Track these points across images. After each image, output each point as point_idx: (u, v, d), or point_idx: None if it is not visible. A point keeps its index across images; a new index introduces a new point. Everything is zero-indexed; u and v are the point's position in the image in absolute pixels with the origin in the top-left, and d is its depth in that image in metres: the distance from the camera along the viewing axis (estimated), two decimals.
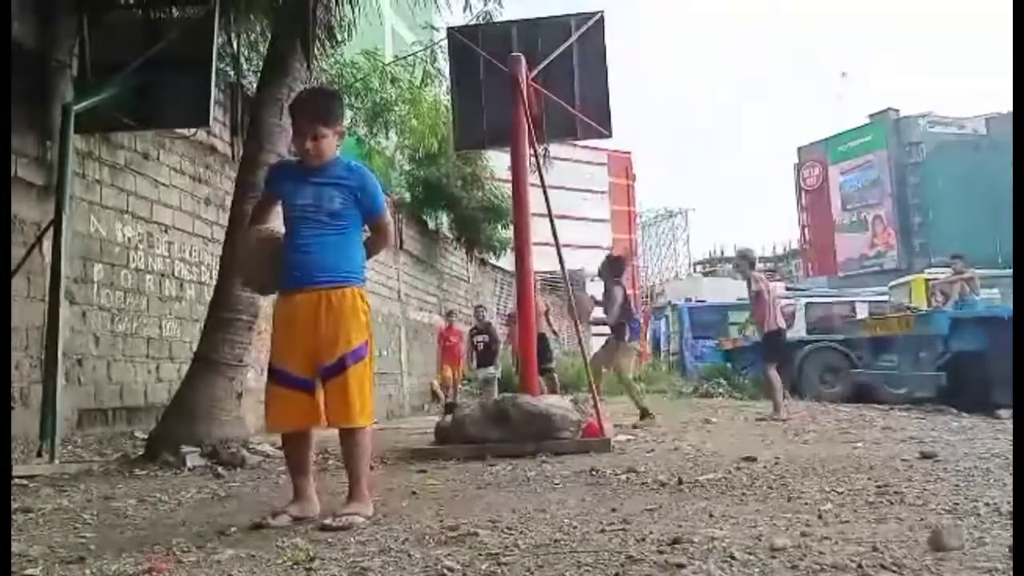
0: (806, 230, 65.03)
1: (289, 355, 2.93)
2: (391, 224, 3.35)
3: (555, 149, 11.85)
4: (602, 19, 6.44)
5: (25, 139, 5.37)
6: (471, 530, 2.61)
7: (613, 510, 2.99)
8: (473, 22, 7.86)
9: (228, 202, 6.01)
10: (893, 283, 14.53)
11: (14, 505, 3.33)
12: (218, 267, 5.59)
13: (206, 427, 5.04)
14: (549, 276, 18.37)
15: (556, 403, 5.48)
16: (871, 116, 61.74)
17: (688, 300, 20.95)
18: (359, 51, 11.67)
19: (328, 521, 2.77)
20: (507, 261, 17.78)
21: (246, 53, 8.19)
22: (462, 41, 6.65)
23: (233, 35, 7.29)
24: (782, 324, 8.36)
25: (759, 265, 9.75)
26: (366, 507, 2.91)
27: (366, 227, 3.15)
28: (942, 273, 12.02)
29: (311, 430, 3.04)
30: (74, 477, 4.36)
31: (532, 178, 6.22)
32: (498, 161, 13.34)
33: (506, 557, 2.25)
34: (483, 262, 19.14)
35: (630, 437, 6.08)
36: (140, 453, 5.09)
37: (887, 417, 7.78)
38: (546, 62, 6.28)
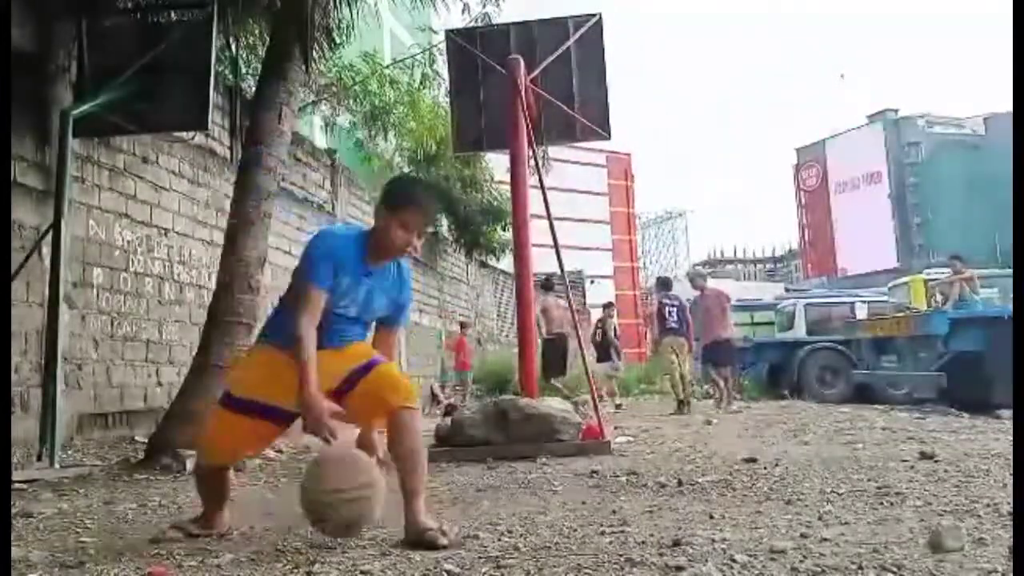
0: (806, 231, 65.06)
1: (270, 390, 2.59)
2: None
3: (554, 151, 11.86)
4: (600, 21, 6.46)
5: (24, 144, 5.36)
6: (471, 533, 2.61)
7: (613, 512, 2.99)
8: (471, 24, 7.87)
9: (227, 205, 6.01)
10: (892, 283, 14.54)
11: (14, 510, 3.32)
12: (217, 270, 5.58)
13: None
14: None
15: (556, 405, 5.48)
16: (869, 117, 61.83)
17: (688, 301, 20.90)
18: (358, 54, 11.68)
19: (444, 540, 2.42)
20: (507, 263, 17.79)
21: (244, 56, 8.19)
22: (460, 44, 6.66)
23: (231, 38, 7.30)
24: (724, 334, 10.04)
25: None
26: None
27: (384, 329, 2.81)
28: (941, 273, 12.02)
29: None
30: (74, 481, 4.36)
31: (531, 180, 6.22)
32: (497, 163, 13.36)
33: (506, 560, 2.25)
34: (483, 264, 19.16)
35: (630, 439, 6.08)
36: (140, 457, 5.09)
37: (887, 418, 7.78)
38: (544, 64, 6.29)
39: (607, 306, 13.34)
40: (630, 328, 42.03)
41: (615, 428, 6.68)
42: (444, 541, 2.40)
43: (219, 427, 2.71)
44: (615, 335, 12.14)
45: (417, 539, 2.43)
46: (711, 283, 11.49)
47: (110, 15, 6.04)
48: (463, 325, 14.37)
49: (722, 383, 10.03)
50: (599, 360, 12.60)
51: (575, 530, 2.65)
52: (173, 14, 6.01)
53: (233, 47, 7.59)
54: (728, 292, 11.05)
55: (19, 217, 5.24)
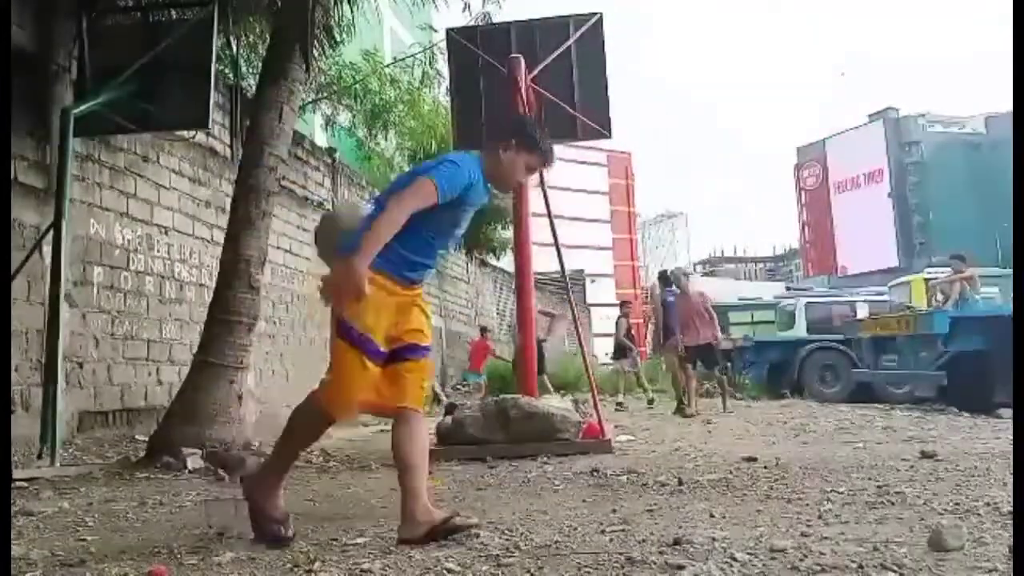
0: (806, 230, 65.04)
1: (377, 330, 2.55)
2: None
3: (554, 150, 11.85)
4: (600, 20, 6.45)
5: (25, 143, 5.36)
6: (472, 531, 2.60)
7: (614, 511, 2.99)
8: (472, 23, 7.87)
9: (228, 204, 6.01)
10: (893, 283, 14.53)
11: (14, 508, 3.33)
12: (218, 269, 5.59)
13: (207, 429, 5.04)
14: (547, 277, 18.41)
15: (556, 404, 5.49)
16: (870, 116, 61.80)
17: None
18: (358, 52, 11.68)
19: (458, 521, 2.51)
20: (507, 262, 17.80)
21: (245, 55, 8.19)
22: (461, 42, 6.65)
23: (232, 37, 7.30)
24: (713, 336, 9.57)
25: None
26: None
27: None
28: (942, 272, 12.01)
29: None
30: (75, 480, 4.36)
31: (531, 179, 6.21)
32: None
33: (507, 559, 2.25)
34: (483, 263, 19.16)
35: (631, 438, 6.09)
36: (141, 456, 5.09)
37: (887, 417, 7.79)
38: (545, 63, 6.28)
39: (623, 304, 13.62)
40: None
41: (616, 427, 6.68)
42: (475, 519, 2.54)
43: (354, 373, 2.56)
44: (627, 334, 12.23)
45: (443, 524, 2.45)
46: (706, 283, 11.48)
47: (111, 14, 6.03)
48: (484, 330, 14.55)
49: (720, 384, 10.08)
50: (616, 357, 12.75)
51: (575, 528, 2.66)
52: (174, 13, 6.00)
53: (234, 46, 7.59)
54: (708, 293, 10.88)
55: (20, 216, 5.24)
